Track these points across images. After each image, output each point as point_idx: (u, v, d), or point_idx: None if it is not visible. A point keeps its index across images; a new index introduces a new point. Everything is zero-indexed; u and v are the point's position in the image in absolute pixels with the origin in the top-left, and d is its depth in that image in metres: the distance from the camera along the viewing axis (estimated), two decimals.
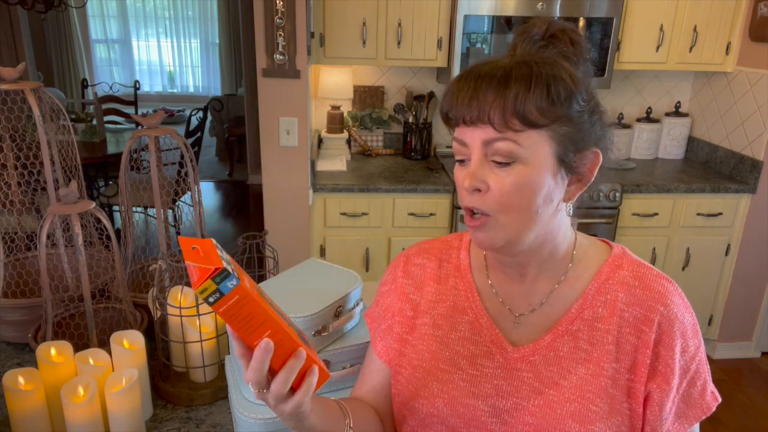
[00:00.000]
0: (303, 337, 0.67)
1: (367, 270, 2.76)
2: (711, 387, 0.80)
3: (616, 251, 0.82)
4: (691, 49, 2.82)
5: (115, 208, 3.87)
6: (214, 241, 0.62)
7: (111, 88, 6.30)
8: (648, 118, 3.19)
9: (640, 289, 0.77)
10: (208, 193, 5.67)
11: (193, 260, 0.58)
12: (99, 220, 1.18)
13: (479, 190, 0.72)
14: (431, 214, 2.70)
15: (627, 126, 3.19)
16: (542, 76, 0.69)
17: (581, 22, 2.68)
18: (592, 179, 0.76)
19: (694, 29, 2.78)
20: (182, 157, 1.32)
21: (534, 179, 0.71)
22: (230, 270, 0.57)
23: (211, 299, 0.57)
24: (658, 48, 2.80)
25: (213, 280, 0.56)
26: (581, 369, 0.76)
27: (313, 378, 0.65)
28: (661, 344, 0.75)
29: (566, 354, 0.77)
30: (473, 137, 0.72)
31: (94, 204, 1.13)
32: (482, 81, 0.70)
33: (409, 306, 0.88)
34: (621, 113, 3.20)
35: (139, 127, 1.29)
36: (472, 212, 0.74)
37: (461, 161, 0.75)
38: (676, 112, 3.19)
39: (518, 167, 0.70)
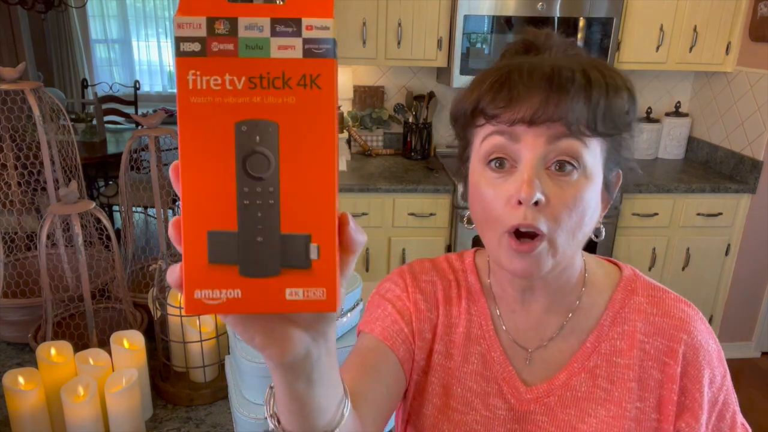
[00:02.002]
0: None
1: (367, 270, 2.76)
2: (740, 418, 0.73)
3: (627, 273, 0.75)
4: (691, 49, 2.82)
5: (115, 208, 3.87)
6: None
7: (111, 88, 6.31)
8: (648, 118, 3.19)
9: (659, 317, 0.71)
10: None
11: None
12: (99, 220, 1.18)
13: (536, 204, 0.60)
14: (431, 214, 2.70)
15: None
16: (617, 83, 0.62)
17: (581, 22, 2.68)
18: (612, 200, 0.70)
19: (694, 29, 2.78)
20: None
21: (592, 194, 0.63)
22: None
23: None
24: (658, 48, 2.80)
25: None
26: (601, 411, 0.69)
27: None
28: (687, 377, 0.69)
29: (584, 394, 0.70)
30: (536, 134, 0.61)
31: (94, 204, 1.13)
32: (557, 80, 0.60)
33: (428, 326, 0.77)
34: None
35: (139, 127, 1.29)
36: (518, 232, 0.62)
37: (498, 164, 0.64)
38: (676, 112, 3.19)
39: (579, 178, 0.62)
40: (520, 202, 0.61)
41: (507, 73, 0.62)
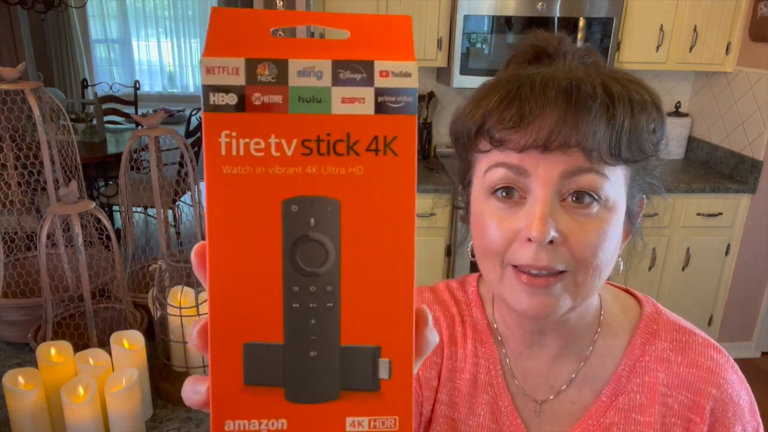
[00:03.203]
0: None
1: None
2: None
3: (648, 311, 0.67)
4: (691, 49, 2.82)
5: (115, 208, 3.87)
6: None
7: (111, 88, 6.31)
8: None
9: (685, 367, 0.63)
10: None
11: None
12: (99, 220, 1.18)
13: (551, 242, 0.53)
14: (431, 214, 2.70)
15: None
16: (643, 98, 0.54)
17: (581, 22, 2.68)
18: (635, 229, 0.62)
19: (694, 29, 2.78)
20: (182, 156, 1.32)
21: (615, 227, 0.55)
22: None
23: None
24: (658, 48, 2.80)
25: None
26: None
27: None
28: None
29: None
30: (549, 165, 0.53)
31: (94, 204, 1.13)
32: (575, 94, 0.52)
33: (434, 373, 0.68)
34: None
35: (139, 127, 1.29)
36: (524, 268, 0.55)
37: (505, 194, 0.56)
38: (676, 112, 3.19)
39: (600, 211, 0.54)
40: (530, 239, 0.53)
41: (517, 87, 0.54)
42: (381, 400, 0.28)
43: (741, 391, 0.64)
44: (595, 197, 0.54)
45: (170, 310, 1.10)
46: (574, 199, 0.54)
